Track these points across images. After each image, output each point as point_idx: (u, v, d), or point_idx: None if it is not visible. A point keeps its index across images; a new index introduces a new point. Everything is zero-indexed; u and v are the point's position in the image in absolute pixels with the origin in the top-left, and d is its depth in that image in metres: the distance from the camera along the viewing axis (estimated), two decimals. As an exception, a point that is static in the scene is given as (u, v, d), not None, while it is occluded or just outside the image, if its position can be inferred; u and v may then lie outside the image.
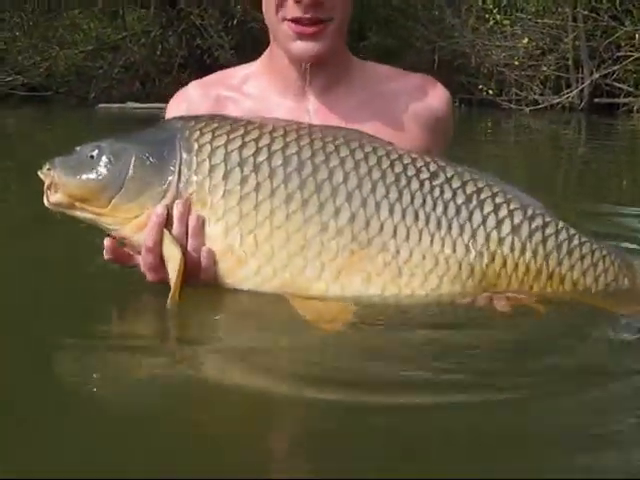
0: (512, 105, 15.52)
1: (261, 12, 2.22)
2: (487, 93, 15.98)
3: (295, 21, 2.07)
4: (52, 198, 2.00)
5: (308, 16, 2.05)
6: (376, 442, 1.44)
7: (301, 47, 2.11)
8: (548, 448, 1.43)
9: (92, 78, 17.34)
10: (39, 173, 2.03)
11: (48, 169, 2.01)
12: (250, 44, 18.29)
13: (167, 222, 1.92)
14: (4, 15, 16.80)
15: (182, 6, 17.72)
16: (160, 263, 1.90)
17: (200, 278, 1.90)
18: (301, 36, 2.09)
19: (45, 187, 2.01)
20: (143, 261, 1.93)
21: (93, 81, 17.20)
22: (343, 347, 1.83)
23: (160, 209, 1.90)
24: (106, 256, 2.00)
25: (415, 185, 1.97)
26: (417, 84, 2.34)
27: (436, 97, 2.33)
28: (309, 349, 1.83)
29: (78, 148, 2.05)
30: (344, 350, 1.82)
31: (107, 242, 1.99)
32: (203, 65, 17.79)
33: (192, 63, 18.05)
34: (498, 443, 1.45)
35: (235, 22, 17.41)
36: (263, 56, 2.34)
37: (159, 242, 1.89)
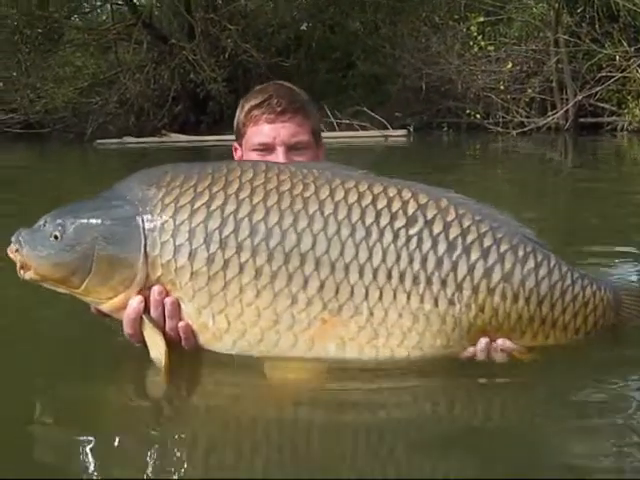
0: (499, 128, 15.82)
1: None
2: (474, 117, 16.29)
3: None
4: (26, 276, 2.01)
5: None
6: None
7: None
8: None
9: (88, 114, 17.65)
10: (8, 251, 2.02)
11: (16, 250, 1.98)
12: (242, 76, 18.64)
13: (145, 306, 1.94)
14: (2, 56, 17.13)
15: (174, 41, 18.08)
16: (143, 340, 1.99)
17: (184, 347, 2.00)
18: None
19: (18, 267, 2.01)
20: (127, 337, 2.03)
21: (90, 117, 17.51)
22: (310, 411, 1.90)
23: (136, 303, 1.95)
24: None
25: (388, 238, 1.89)
26: None
27: None
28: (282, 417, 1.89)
29: (41, 223, 2.01)
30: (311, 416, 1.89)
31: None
32: (196, 98, 18.15)
33: (185, 97, 18.39)
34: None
35: (227, 55, 17.76)
36: None
37: (139, 329, 1.97)
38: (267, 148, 2.48)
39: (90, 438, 1.73)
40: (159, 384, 2.00)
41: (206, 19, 18.07)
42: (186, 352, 1.98)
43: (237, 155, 2.63)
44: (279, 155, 2.45)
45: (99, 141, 15.32)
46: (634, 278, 3.05)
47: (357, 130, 15.57)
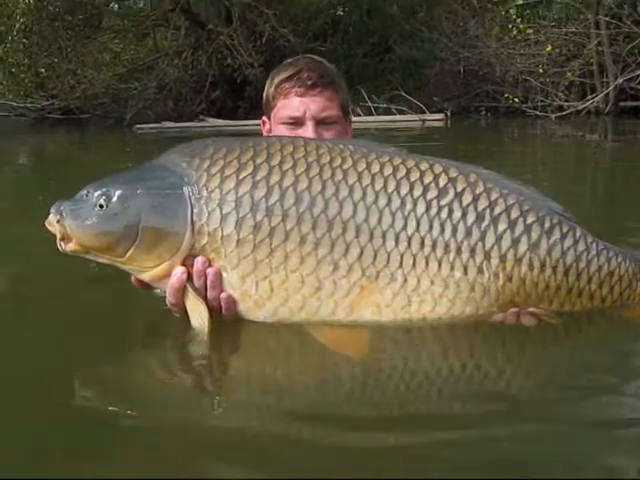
0: (538, 112, 15.67)
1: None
2: (513, 101, 16.15)
3: None
4: (67, 248, 2.02)
5: None
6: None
7: None
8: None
9: (127, 99, 17.81)
10: (46, 224, 2.04)
11: (58, 221, 2.00)
12: (279, 61, 18.61)
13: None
14: (44, 42, 17.32)
15: (211, 27, 18.15)
16: (185, 310, 2.03)
17: (223, 316, 2.05)
18: None
19: (58, 238, 2.01)
20: (169, 306, 2.07)
21: (128, 102, 17.67)
22: (360, 371, 1.94)
23: (180, 273, 1.98)
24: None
25: (421, 208, 1.96)
26: None
27: None
28: (327, 378, 1.93)
29: (84, 193, 2.03)
30: (360, 374, 1.94)
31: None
32: (234, 83, 18.21)
33: (222, 82, 18.46)
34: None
35: (264, 40, 17.78)
36: None
37: (181, 299, 2.01)
38: (297, 122, 2.49)
39: (133, 410, 1.76)
40: (201, 352, 2.03)
41: (243, 4, 18.07)
42: (226, 321, 2.02)
43: (265, 129, 2.64)
44: (308, 129, 2.46)
45: (138, 126, 15.43)
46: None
47: (394, 114, 15.54)
